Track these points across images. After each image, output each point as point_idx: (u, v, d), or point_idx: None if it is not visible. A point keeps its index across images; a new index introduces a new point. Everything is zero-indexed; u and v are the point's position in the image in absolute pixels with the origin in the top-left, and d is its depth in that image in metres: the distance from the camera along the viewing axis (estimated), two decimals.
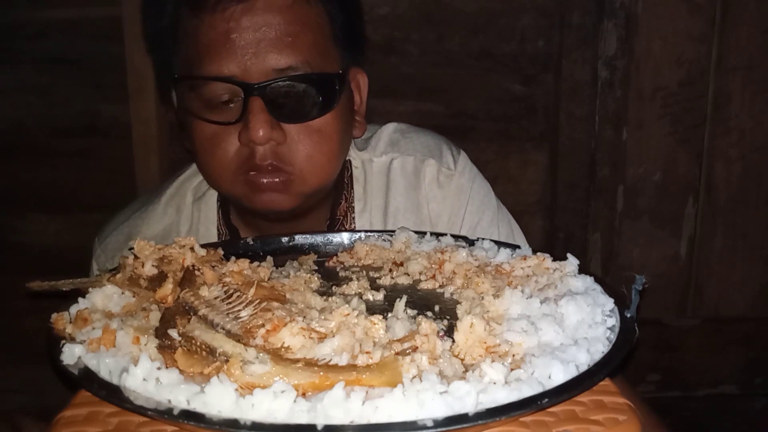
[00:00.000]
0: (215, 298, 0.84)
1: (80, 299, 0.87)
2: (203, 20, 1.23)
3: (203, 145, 1.27)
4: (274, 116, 1.21)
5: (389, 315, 0.87)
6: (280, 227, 1.37)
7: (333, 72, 1.28)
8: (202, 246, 0.97)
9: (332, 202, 1.45)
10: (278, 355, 0.72)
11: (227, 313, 0.80)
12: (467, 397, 0.66)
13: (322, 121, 1.26)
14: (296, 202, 1.29)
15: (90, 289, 0.89)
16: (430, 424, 0.63)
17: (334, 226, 1.43)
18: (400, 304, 0.89)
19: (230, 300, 0.83)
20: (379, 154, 1.48)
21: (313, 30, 1.26)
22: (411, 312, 0.91)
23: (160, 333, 0.78)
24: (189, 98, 1.26)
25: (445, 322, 0.90)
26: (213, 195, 1.48)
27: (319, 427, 0.62)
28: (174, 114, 1.41)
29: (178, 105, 1.34)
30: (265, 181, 1.24)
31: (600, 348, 0.78)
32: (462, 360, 0.77)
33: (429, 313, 0.92)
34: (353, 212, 1.45)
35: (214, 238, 1.45)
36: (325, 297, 0.92)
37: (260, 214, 1.34)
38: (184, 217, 1.47)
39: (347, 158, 1.47)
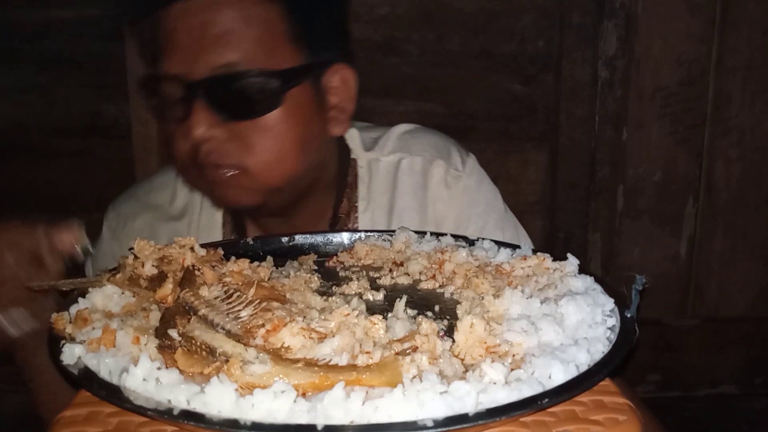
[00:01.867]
0: (215, 298, 0.84)
1: (80, 299, 0.87)
2: (156, 20, 1.25)
3: (169, 141, 1.29)
4: (217, 114, 1.22)
5: (389, 315, 0.87)
6: (278, 221, 1.39)
7: (278, 69, 1.25)
8: (202, 246, 0.97)
9: (335, 200, 1.45)
10: (278, 355, 0.72)
11: (227, 313, 0.80)
12: (467, 397, 0.66)
13: (269, 118, 1.25)
14: (258, 199, 1.29)
15: (90, 289, 0.89)
16: (430, 424, 0.63)
17: (336, 225, 1.43)
18: (400, 304, 0.89)
19: (230, 300, 0.83)
20: (386, 153, 1.48)
21: (259, 26, 1.24)
22: (411, 312, 0.91)
23: (160, 333, 0.78)
24: (154, 95, 1.28)
25: (445, 322, 0.90)
26: None
27: (319, 427, 0.62)
28: None
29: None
30: (216, 175, 1.26)
31: (600, 348, 0.78)
32: (462, 360, 0.77)
33: (429, 313, 0.92)
34: (356, 211, 1.45)
35: (219, 222, 1.47)
36: (325, 297, 0.92)
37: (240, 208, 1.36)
38: (196, 194, 1.48)
39: (352, 157, 1.47)
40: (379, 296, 0.99)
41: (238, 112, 1.24)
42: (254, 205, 1.31)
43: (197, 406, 0.65)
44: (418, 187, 1.46)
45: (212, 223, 1.47)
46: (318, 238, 1.20)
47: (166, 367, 0.71)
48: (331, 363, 0.71)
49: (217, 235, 1.46)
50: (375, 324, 0.79)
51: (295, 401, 0.65)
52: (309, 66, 1.29)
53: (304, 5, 1.29)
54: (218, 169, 1.25)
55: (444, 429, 0.63)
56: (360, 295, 0.98)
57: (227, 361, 0.71)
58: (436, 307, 0.95)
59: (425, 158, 1.47)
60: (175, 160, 1.31)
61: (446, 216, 1.44)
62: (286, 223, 1.41)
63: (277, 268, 1.06)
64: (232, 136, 1.24)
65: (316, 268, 1.10)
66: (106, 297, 0.88)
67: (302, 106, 1.29)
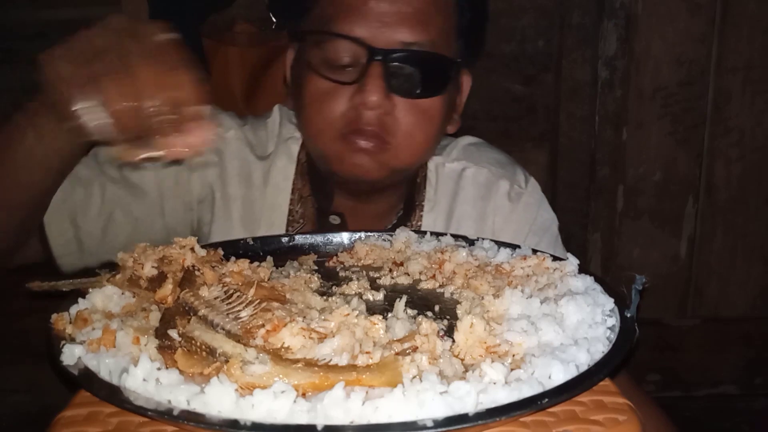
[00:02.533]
0: (215, 299, 0.84)
1: (80, 299, 0.87)
2: None
3: (313, 100, 1.30)
4: (388, 86, 1.25)
5: (389, 315, 0.87)
6: (353, 203, 1.42)
7: (452, 58, 1.32)
8: (202, 246, 0.97)
9: (406, 195, 1.48)
10: (278, 356, 0.72)
11: (227, 314, 0.80)
12: (467, 397, 0.66)
13: (429, 102, 1.30)
14: (382, 174, 1.31)
15: (90, 290, 0.89)
16: (430, 424, 0.63)
17: (406, 219, 1.46)
18: (400, 304, 0.89)
19: (230, 300, 0.83)
20: (452, 159, 1.52)
21: (444, 16, 1.31)
22: (411, 312, 0.91)
23: (160, 333, 0.78)
24: (311, 54, 1.29)
25: (445, 322, 0.90)
26: (291, 151, 1.48)
27: (319, 428, 0.62)
28: (287, 72, 1.44)
29: (295, 60, 1.39)
30: (362, 143, 1.27)
31: (600, 348, 0.78)
32: (462, 360, 0.77)
33: (429, 313, 0.92)
34: (422, 210, 1.48)
35: (289, 188, 1.46)
36: (325, 297, 0.92)
37: (341, 181, 1.36)
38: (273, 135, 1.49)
39: None
40: (379, 296, 0.99)
41: (408, 89, 1.28)
42: (370, 180, 1.32)
43: (197, 407, 0.65)
44: (479, 198, 1.49)
45: (283, 187, 1.46)
46: (318, 238, 1.21)
47: (166, 368, 0.71)
48: (331, 363, 0.71)
49: (285, 198, 1.45)
50: (375, 324, 0.79)
51: (295, 401, 0.65)
52: (463, 62, 1.37)
53: (474, 7, 1.37)
54: (370, 138, 1.27)
55: (444, 429, 0.63)
56: (360, 295, 0.98)
57: (227, 361, 0.71)
58: (436, 307, 0.95)
59: (491, 171, 1.51)
60: (314, 121, 1.31)
61: (504, 229, 1.47)
62: (361, 207, 1.43)
63: (277, 268, 1.06)
64: (394, 109, 1.27)
65: (316, 268, 1.10)
66: (106, 297, 0.88)
67: (450, 98, 1.37)
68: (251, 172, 1.45)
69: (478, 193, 1.49)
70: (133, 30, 1.02)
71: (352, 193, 1.41)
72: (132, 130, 0.90)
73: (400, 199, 1.48)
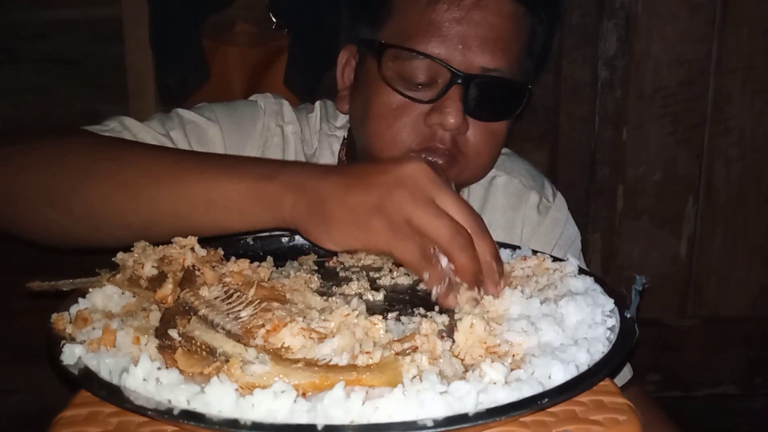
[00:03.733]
0: (215, 299, 0.84)
1: (80, 299, 0.87)
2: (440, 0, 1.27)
3: (383, 113, 1.29)
4: (465, 108, 1.25)
5: (389, 315, 0.87)
6: None
7: (525, 82, 1.34)
8: (202, 246, 0.97)
9: None
10: (278, 355, 0.72)
11: (227, 314, 0.80)
12: (467, 397, 0.66)
13: (498, 125, 1.32)
14: None
15: (90, 289, 0.89)
16: (430, 424, 0.63)
17: None
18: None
19: (230, 300, 0.83)
20: None
21: (521, 42, 1.31)
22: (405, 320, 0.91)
23: (160, 333, 0.78)
24: (386, 66, 1.28)
25: (446, 321, 0.90)
26: (330, 149, 1.48)
27: (319, 427, 0.62)
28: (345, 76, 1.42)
29: (359, 66, 1.38)
30: (434, 159, 1.27)
31: (600, 348, 0.78)
32: (462, 360, 0.77)
33: (429, 313, 0.92)
34: None
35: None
36: (325, 297, 0.92)
37: None
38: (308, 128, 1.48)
39: None
40: (379, 296, 0.99)
41: (483, 112, 1.28)
42: None
43: (197, 406, 0.65)
44: (509, 207, 1.50)
45: None
46: None
47: (167, 367, 0.71)
48: (331, 363, 0.71)
49: None
50: (375, 324, 0.79)
51: (295, 401, 0.65)
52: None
53: (547, 31, 1.37)
54: (442, 156, 1.27)
55: (444, 429, 0.63)
56: (360, 295, 0.98)
57: (227, 361, 0.71)
58: (436, 307, 0.95)
59: (522, 182, 1.52)
60: (382, 134, 1.28)
61: (531, 241, 1.47)
62: None
63: (277, 268, 1.06)
64: (467, 130, 1.28)
65: (316, 268, 1.10)
66: (106, 297, 0.88)
67: (514, 121, 1.38)
68: None
69: (508, 203, 1.51)
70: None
71: None
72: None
73: None
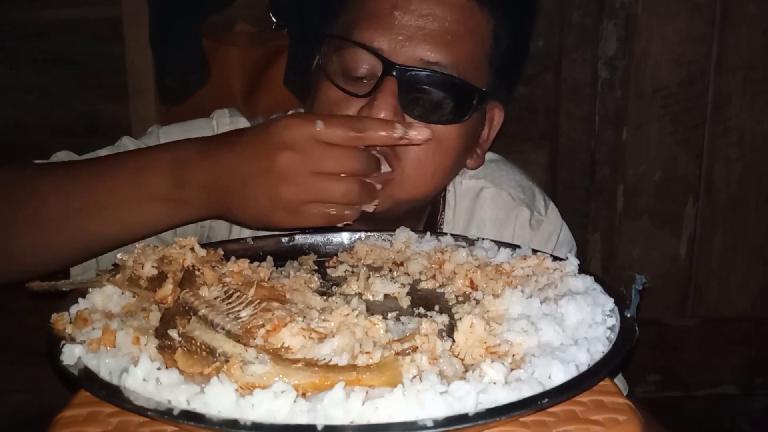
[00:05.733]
0: (215, 299, 0.84)
1: (80, 299, 0.87)
2: None
3: (323, 107, 1.23)
4: (402, 105, 1.16)
5: (389, 315, 0.87)
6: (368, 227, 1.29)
7: (478, 86, 1.23)
8: (202, 246, 0.97)
9: (427, 220, 1.41)
10: (278, 356, 0.72)
11: (227, 314, 0.80)
12: (467, 397, 0.66)
13: (446, 130, 1.20)
14: (384, 206, 1.18)
15: (90, 290, 0.89)
16: (430, 424, 0.62)
17: None
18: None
19: (230, 300, 0.83)
20: (469, 177, 1.44)
21: (475, 40, 1.22)
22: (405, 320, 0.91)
23: (160, 333, 0.78)
24: (330, 60, 1.23)
25: (446, 321, 0.90)
26: None
27: (319, 428, 0.62)
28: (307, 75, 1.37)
29: (317, 65, 1.31)
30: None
31: (600, 348, 0.78)
32: (462, 360, 0.77)
33: (429, 313, 0.92)
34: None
35: None
36: (325, 297, 0.92)
37: None
38: None
39: None
40: (380, 296, 0.99)
41: (423, 111, 1.19)
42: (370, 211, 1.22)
43: (197, 407, 0.65)
44: (498, 221, 1.43)
45: None
46: (318, 238, 1.20)
47: (166, 368, 0.71)
48: (331, 363, 0.71)
49: None
50: (375, 324, 0.79)
51: (295, 401, 0.65)
52: (492, 94, 1.28)
53: (509, 33, 1.28)
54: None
55: (444, 429, 0.63)
56: (360, 295, 0.98)
57: (227, 361, 0.71)
58: (436, 307, 0.95)
59: (511, 195, 1.44)
60: None
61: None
62: None
63: (277, 268, 1.06)
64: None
65: (316, 268, 1.10)
66: (106, 297, 0.88)
67: (472, 130, 1.27)
68: None
69: (496, 216, 1.43)
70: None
71: (365, 220, 1.29)
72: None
73: (419, 224, 1.40)
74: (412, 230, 1.19)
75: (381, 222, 1.23)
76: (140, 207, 1.09)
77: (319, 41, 1.29)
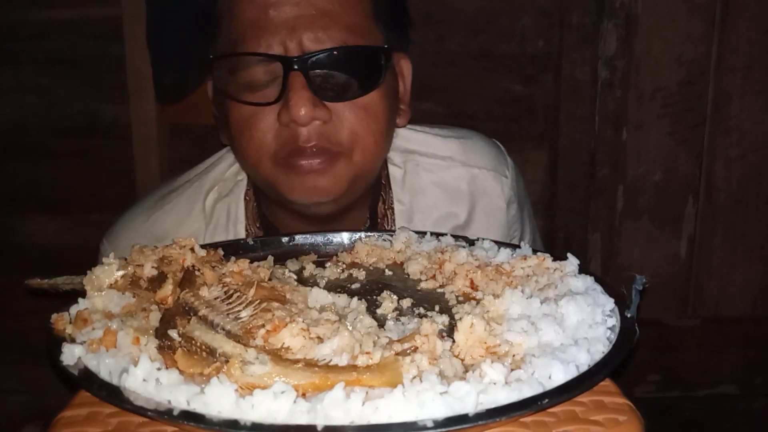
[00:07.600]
0: (215, 299, 0.84)
1: (80, 300, 0.87)
2: (218, 3, 1.21)
3: (240, 128, 1.21)
4: (316, 94, 1.16)
5: (389, 315, 0.86)
6: (316, 227, 1.28)
7: (377, 45, 1.23)
8: (202, 246, 0.97)
9: (370, 202, 1.40)
10: (278, 356, 0.72)
11: (227, 314, 0.80)
12: (467, 398, 0.66)
13: (368, 98, 1.21)
14: (342, 188, 1.22)
15: (88, 289, 0.89)
16: (430, 424, 0.63)
17: (375, 228, 1.39)
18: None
19: (230, 300, 0.83)
20: (431, 155, 1.46)
21: (354, 8, 1.22)
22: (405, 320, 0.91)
23: (160, 334, 0.78)
24: (227, 81, 1.22)
25: (446, 321, 0.90)
26: (241, 192, 1.41)
27: (319, 428, 0.62)
28: (212, 106, 1.36)
29: (214, 92, 1.30)
30: (306, 163, 1.18)
31: (600, 348, 0.78)
32: (462, 360, 0.77)
33: (429, 313, 0.92)
34: (393, 213, 1.41)
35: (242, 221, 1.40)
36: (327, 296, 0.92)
37: (298, 209, 1.27)
38: (204, 216, 1.40)
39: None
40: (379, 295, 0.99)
41: (339, 91, 1.19)
42: (328, 200, 1.23)
43: (197, 407, 0.65)
44: (466, 195, 1.45)
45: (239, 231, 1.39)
46: (318, 238, 1.20)
47: (166, 368, 0.71)
48: (331, 363, 0.71)
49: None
50: (375, 324, 0.79)
51: (295, 402, 0.65)
52: (393, 45, 1.27)
53: None
54: (314, 156, 1.18)
55: (444, 429, 0.63)
56: (360, 295, 0.98)
57: (227, 361, 0.71)
58: (436, 307, 0.95)
59: (482, 170, 1.47)
60: (247, 151, 1.23)
61: (492, 226, 1.46)
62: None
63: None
64: (332, 116, 1.18)
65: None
66: (106, 297, 0.88)
67: (391, 88, 1.28)
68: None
69: (463, 190, 1.45)
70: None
71: (311, 220, 1.30)
72: None
73: (366, 208, 1.39)
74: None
75: (331, 216, 1.27)
76: None
77: (206, 67, 1.27)
